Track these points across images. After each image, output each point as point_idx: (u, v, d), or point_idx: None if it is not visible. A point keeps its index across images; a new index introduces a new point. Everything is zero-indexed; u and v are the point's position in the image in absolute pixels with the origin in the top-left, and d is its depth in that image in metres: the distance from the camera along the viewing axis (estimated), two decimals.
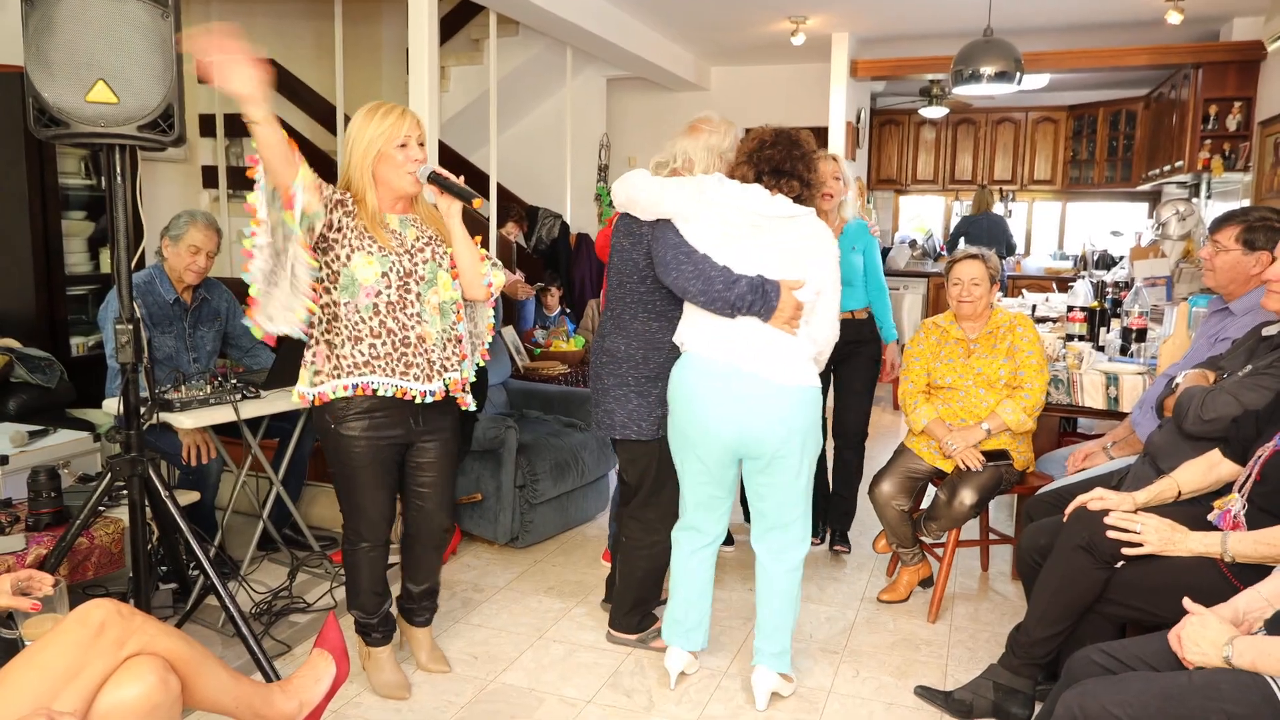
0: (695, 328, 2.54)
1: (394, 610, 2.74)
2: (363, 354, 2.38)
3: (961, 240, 8.09)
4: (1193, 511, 2.22)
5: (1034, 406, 3.14)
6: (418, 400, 2.42)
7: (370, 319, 2.37)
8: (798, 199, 2.51)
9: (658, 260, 2.56)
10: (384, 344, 2.38)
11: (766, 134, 2.55)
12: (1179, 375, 2.67)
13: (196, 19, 5.60)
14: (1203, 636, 1.71)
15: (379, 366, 2.38)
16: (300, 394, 2.43)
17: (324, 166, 5.80)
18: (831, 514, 3.87)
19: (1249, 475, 2.13)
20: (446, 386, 2.47)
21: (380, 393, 2.38)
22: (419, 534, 2.66)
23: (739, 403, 2.44)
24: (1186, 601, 1.79)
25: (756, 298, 2.41)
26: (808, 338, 2.50)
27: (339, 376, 2.38)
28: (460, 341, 2.50)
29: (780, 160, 2.50)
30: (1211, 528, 2.14)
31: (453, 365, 2.49)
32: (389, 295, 2.37)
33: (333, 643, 2.22)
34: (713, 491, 2.61)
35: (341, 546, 2.62)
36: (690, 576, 2.70)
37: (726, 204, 2.48)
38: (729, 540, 3.78)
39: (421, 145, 2.42)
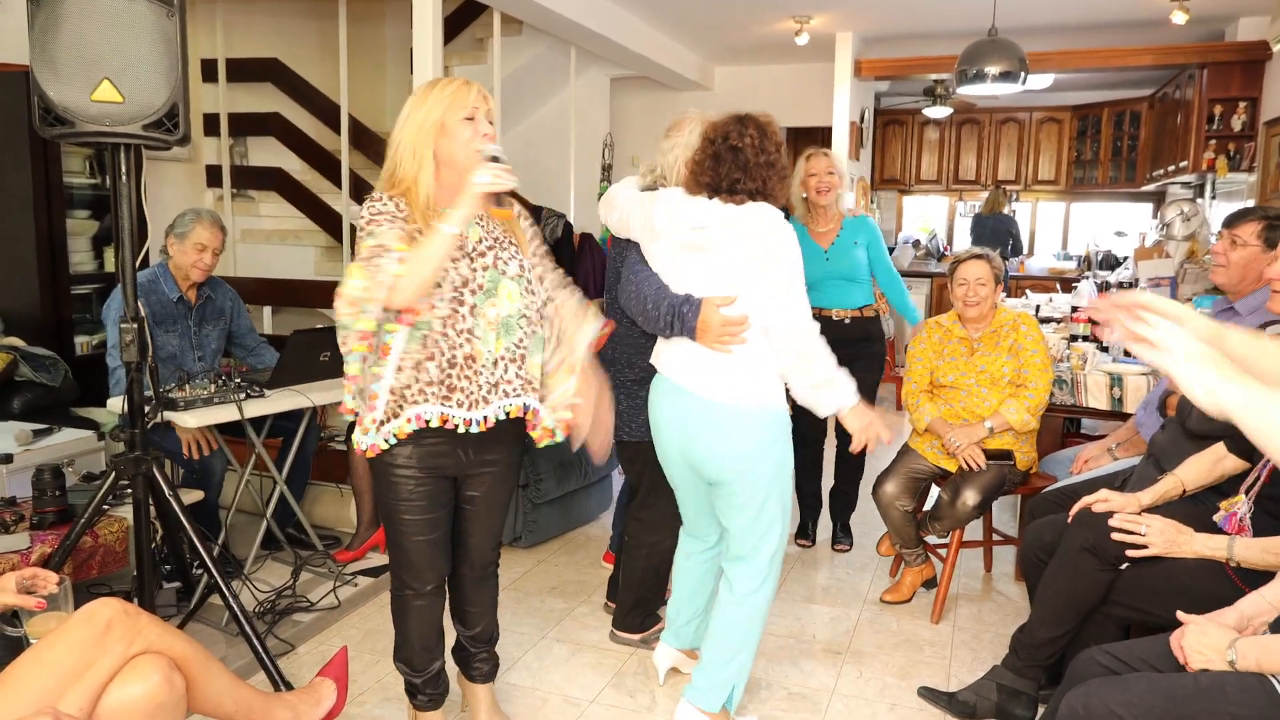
0: (659, 347, 2.49)
1: (452, 668, 2.45)
2: (410, 378, 2.06)
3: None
4: (1197, 511, 2.21)
5: (1038, 406, 3.14)
6: (461, 430, 2.08)
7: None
8: (752, 199, 2.36)
9: (620, 280, 2.62)
10: (434, 365, 2.04)
11: (708, 145, 2.36)
12: None
13: (202, 18, 5.62)
14: (1204, 643, 1.69)
15: (429, 392, 2.05)
16: (357, 445, 2.11)
17: (329, 168, 5.85)
18: (833, 507, 3.88)
19: (1258, 478, 2.12)
20: (507, 414, 2.12)
21: (428, 420, 2.07)
22: (460, 564, 2.32)
23: (683, 422, 2.35)
24: (1181, 614, 1.78)
25: (674, 318, 2.29)
26: (765, 349, 2.28)
27: (397, 415, 2.06)
28: (523, 361, 2.14)
29: (716, 181, 2.33)
30: (1217, 529, 2.14)
31: (513, 390, 2.13)
32: (440, 308, 2.03)
33: (337, 673, 2.23)
34: (693, 505, 2.56)
35: (391, 589, 2.31)
36: (684, 575, 2.70)
37: (674, 220, 2.38)
38: None
39: (491, 124, 2.08)
